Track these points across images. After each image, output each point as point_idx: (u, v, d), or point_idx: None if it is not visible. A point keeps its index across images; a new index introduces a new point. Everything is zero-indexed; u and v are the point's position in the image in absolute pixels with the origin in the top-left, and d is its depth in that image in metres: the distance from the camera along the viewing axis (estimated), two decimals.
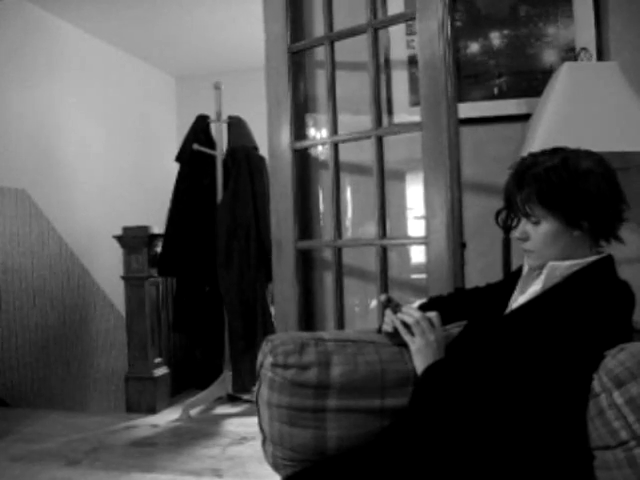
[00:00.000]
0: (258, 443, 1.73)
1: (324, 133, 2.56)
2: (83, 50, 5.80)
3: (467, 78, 2.46)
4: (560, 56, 2.37)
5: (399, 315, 1.62)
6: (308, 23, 2.58)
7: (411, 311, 1.61)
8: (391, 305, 1.66)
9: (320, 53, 2.49)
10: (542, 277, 1.52)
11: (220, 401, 4.47)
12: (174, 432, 3.91)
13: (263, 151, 3.81)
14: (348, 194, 2.60)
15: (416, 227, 2.53)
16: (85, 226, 5.62)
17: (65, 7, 5.22)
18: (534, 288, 1.55)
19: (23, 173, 4.95)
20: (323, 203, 2.61)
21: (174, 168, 4.49)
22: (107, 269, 5.32)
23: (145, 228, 4.44)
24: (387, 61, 2.53)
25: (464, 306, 1.77)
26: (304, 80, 2.61)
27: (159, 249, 4.44)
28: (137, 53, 6.47)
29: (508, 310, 1.59)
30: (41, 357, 4.98)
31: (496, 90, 2.44)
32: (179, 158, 4.44)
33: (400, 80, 2.52)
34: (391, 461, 1.47)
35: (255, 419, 1.70)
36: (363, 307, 2.59)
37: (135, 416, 4.25)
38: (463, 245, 2.12)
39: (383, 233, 2.31)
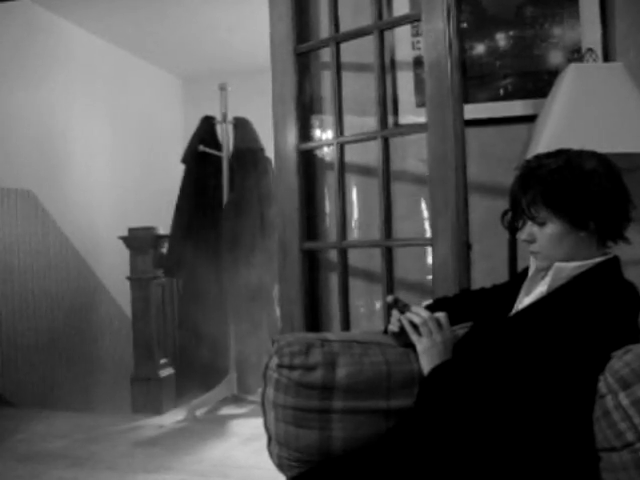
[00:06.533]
0: (264, 444, 1.73)
1: (330, 134, 2.56)
2: (89, 51, 5.81)
3: (473, 79, 2.46)
4: (566, 57, 2.36)
5: (407, 315, 1.62)
6: (314, 24, 2.58)
7: (419, 311, 1.61)
8: (398, 305, 1.66)
9: (326, 54, 2.49)
10: (548, 278, 1.52)
11: (226, 402, 4.47)
12: (180, 433, 3.91)
13: (269, 152, 3.81)
14: (354, 195, 2.60)
15: (421, 228, 2.52)
16: (91, 227, 5.63)
17: (70, 8, 5.23)
18: (540, 289, 1.55)
19: (29, 174, 4.96)
20: (329, 204, 2.61)
21: (180, 169, 4.50)
22: (113, 270, 5.33)
23: (151, 229, 4.45)
24: (393, 62, 2.53)
25: (470, 307, 1.77)
26: (310, 81, 2.61)
27: (165, 250, 4.45)
28: (143, 54, 6.48)
29: (514, 311, 1.59)
30: (47, 357, 4.99)
31: (502, 91, 2.43)
32: (185, 159, 4.45)
33: (406, 81, 2.52)
34: (396, 462, 1.47)
35: (261, 420, 1.70)
36: (369, 308, 2.59)
37: (141, 417, 4.25)
38: (469, 246, 2.12)
39: (388, 234, 2.31)
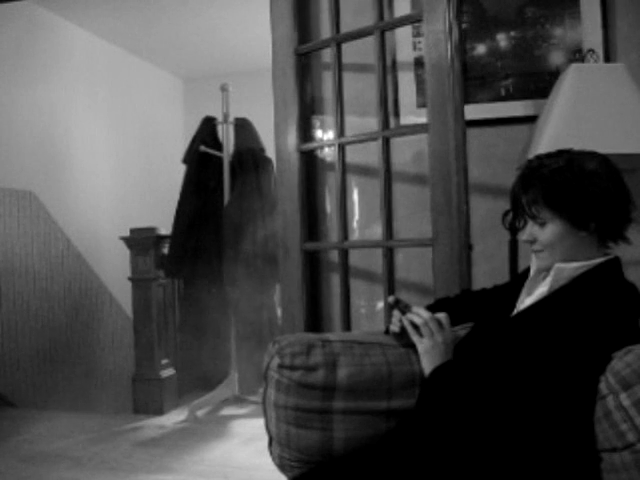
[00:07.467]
0: (265, 444, 1.73)
1: (331, 135, 2.57)
2: (90, 52, 5.82)
3: (474, 80, 2.46)
4: (567, 58, 2.36)
5: (408, 316, 1.62)
6: (315, 25, 2.59)
7: (420, 312, 1.62)
8: (400, 306, 1.66)
9: (327, 55, 2.50)
10: (549, 279, 1.52)
11: (227, 402, 4.47)
12: (181, 433, 3.91)
13: (270, 153, 3.81)
14: (355, 196, 2.60)
15: (423, 229, 2.52)
16: (92, 227, 5.63)
17: (71, 8, 5.23)
18: (541, 290, 1.55)
19: (31, 175, 4.97)
20: (330, 205, 2.61)
21: (181, 170, 4.50)
22: (114, 270, 5.34)
23: (152, 229, 4.45)
24: (394, 63, 2.53)
25: (471, 307, 1.77)
26: (311, 82, 2.61)
27: (166, 250, 4.45)
28: (144, 55, 6.49)
29: (515, 312, 1.59)
30: (48, 358, 4.99)
31: (503, 92, 2.43)
32: (186, 160, 4.45)
33: (407, 82, 2.52)
34: (397, 462, 1.47)
35: (262, 420, 1.70)
36: (370, 308, 2.59)
37: (142, 417, 4.26)
38: (470, 247, 2.12)
39: (389, 234, 2.31)
